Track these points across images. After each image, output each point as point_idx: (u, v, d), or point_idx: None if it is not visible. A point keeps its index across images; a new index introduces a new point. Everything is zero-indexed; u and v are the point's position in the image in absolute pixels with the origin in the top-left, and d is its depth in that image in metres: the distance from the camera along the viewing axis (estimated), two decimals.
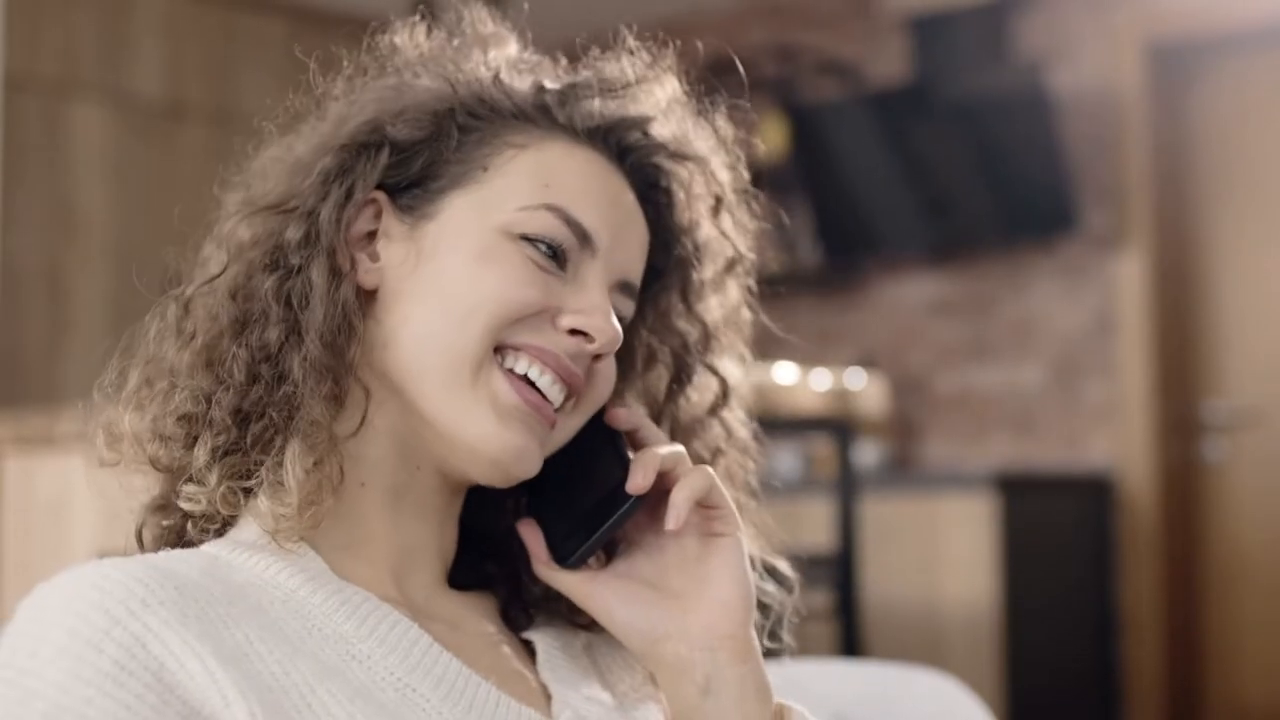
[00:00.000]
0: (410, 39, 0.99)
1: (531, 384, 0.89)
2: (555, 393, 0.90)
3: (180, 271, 0.95)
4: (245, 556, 0.86)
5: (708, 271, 1.01)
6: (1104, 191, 4.80)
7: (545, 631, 0.95)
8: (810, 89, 5.25)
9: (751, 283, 1.04)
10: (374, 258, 0.91)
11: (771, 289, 1.07)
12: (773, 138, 5.18)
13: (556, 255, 0.90)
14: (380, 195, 0.92)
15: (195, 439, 0.87)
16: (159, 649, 0.76)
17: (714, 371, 1.01)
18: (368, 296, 0.91)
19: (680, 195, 0.99)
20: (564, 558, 0.91)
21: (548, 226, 0.90)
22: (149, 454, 0.89)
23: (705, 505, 0.89)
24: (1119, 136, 4.78)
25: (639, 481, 0.88)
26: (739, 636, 0.89)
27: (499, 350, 0.89)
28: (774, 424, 3.12)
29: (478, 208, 0.90)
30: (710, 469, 0.91)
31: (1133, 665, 4.67)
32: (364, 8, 2.14)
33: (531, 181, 0.91)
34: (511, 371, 0.89)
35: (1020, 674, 4.28)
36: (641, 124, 0.97)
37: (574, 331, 0.90)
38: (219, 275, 0.90)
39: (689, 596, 0.90)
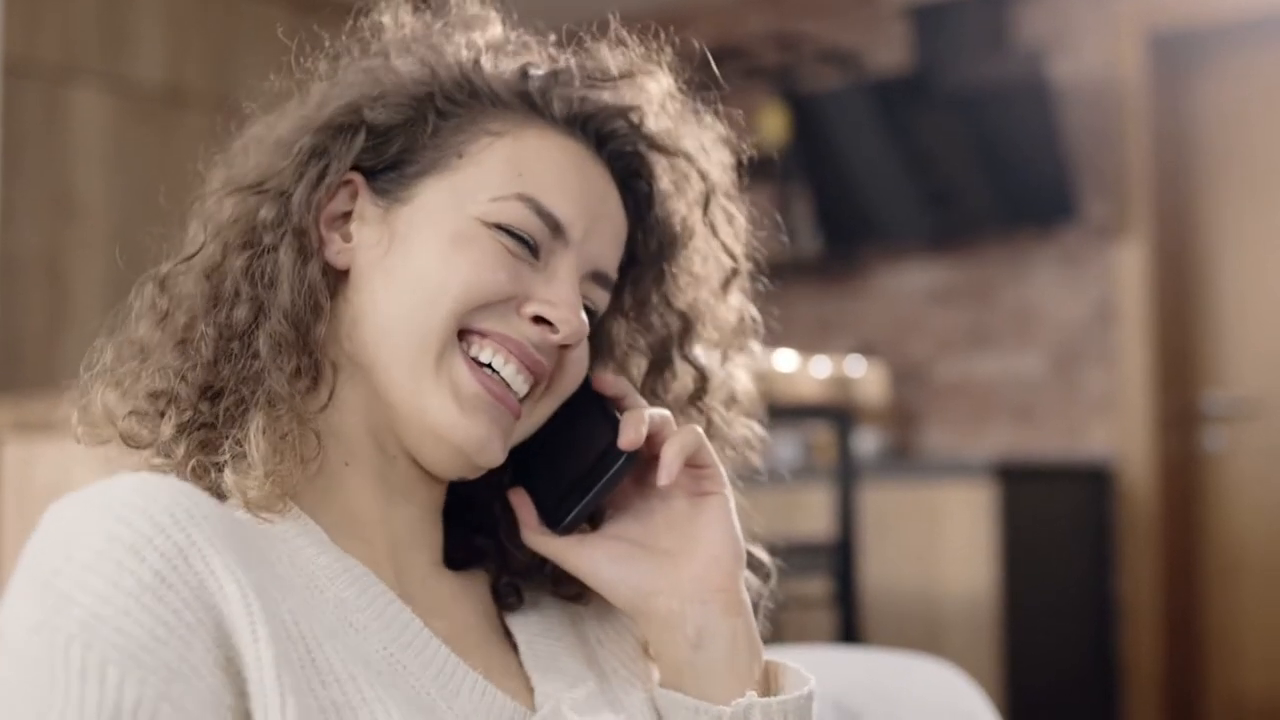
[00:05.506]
0: (395, 19, 0.99)
1: (495, 373, 0.88)
2: (519, 382, 0.89)
3: (165, 250, 0.95)
4: (251, 515, 0.84)
5: (690, 264, 1.00)
6: (1104, 181, 4.79)
7: (530, 615, 0.95)
8: (811, 78, 5.24)
9: (754, 281, 1.03)
10: (346, 238, 0.91)
11: (770, 281, 1.07)
12: (773, 126, 5.17)
13: (529, 244, 0.90)
14: (356, 177, 0.92)
15: (164, 415, 0.86)
16: (200, 565, 0.74)
17: (691, 363, 1.01)
18: (340, 276, 0.91)
19: (661, 187, 0.98)
20: (556, 522, 0.91)
21: (519, 217, 0.89)
22: (121, 430, 0.88)
23: (693, 464, 0.90)
24: (1120, 126, 4.78)
25: (631, 436, 0.88)
26: (730, 590, 0.90)
27: (463, 336, 0.88)
28: (773, 411, 3.12)
29: (451, 194, 0.90)
30: (698, 427, 0.92)
31: (1131, 654, 4.68)
32: None
33: (505, 170, 0.90)
34: (475, 360, 0.88)
35: (1019, 662, 4.28)
36: (622, 112, 0.96)
37: (538, 320, 0.89)
38: (195, 254, 0.91)
39: (679, 553, 0.90)
